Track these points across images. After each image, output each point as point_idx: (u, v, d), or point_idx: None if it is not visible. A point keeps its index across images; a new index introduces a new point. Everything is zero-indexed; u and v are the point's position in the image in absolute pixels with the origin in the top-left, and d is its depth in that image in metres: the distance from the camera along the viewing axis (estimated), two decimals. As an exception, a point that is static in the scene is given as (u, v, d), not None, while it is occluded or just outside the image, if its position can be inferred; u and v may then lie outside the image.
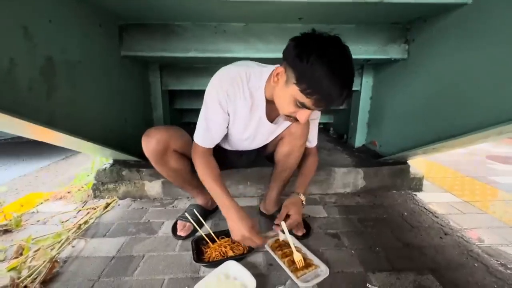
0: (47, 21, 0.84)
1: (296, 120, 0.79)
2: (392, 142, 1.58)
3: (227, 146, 1.07)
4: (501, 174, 1.93)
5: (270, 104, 0.87)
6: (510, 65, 0.85)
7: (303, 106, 0.71)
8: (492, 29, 0.92)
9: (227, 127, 0.93)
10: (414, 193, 1.52)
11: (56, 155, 2.66)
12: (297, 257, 0.87)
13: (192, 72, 1.81)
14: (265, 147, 1.10)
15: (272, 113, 0.91)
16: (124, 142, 1.32)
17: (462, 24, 1.05)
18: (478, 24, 0.98)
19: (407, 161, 1.54)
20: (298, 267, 0.85)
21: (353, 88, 1.81)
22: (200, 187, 1.19)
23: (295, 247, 0.91)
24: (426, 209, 1.33)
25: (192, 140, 0.95)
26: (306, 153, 1.07)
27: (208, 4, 1.08)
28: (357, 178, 1.49)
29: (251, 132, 0.95)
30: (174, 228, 1.10)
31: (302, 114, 0.75)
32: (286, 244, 0.94)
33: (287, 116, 0.79)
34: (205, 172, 0.90)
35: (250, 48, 1.38)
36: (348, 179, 1.49)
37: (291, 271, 0.83)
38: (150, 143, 0.93)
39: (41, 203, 1.39)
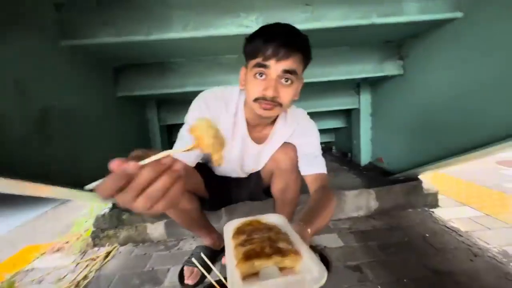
0: (40, 71, 0.83)
1: (272, 102, 0.71)
2: (399, 158, 1.53)
3: (221, 172, 1.03)
4: (515, 180, 1.86)
5: (251, 126, 0.87)
6: (507, 74, 0.84)
7: (259, 66, 0.69)
8: (485, 39, 0.93)
9: None
10: (431, 210, 1.44)
11: (54, 200, 2.57)
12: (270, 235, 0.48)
13: (189, 105, 1.80)
14: (261, 179, 1.05)
15: (254, 134, 0.89)
16: (123, 184, 1.26)
17: (455, 37, 1.06)
18: (471, 35, 0.99)
19: (419, 177, 1.48)
20: (259, 250, 0.43)
21: (351, 107, 1.83)
22: (208, 227, 1.13)
23: (281, 232, 0.51)
24: (448, 228, 1.24)
25: (203, 177, 0.96)
26: (309, 181, 0.91)
27: (204, 42, 1.09)
28: (370, 199, 1.42)
29: (237, 153, 0.92)
30: (181, 276, 1.01)
31: (266, 84, 0.69)
32: (267, 229, 0.52)
33: (261, 100, 0.71)
34: None
35: (246, 78, 1.38)
36: (360, 201, 1.42)
37: (235, 257, 0.45)
38: None
39: (38, 257, 1.30)
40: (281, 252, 0.42)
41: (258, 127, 0.89)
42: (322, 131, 1.03)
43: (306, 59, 0.73)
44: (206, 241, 1.14)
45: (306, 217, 0.66)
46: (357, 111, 1.83)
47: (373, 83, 1.72)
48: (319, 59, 1.35)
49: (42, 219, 2.12)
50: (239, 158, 0.95)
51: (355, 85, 1.77)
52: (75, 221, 1.62)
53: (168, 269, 1.10)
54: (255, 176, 1.05)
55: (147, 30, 0.94)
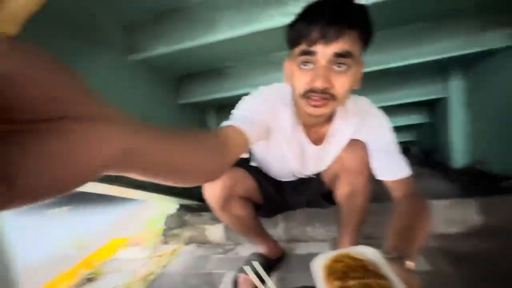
0: (110, 86, 0.94)
1: (323, 95, 0.58)
2: (513, 158, 1.14)
3: (276, 175, 0.96)
4: None
5: (306, 127, 0.77)
6: None
7: (303, 54, 0.57)
8: None
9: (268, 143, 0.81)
10: None
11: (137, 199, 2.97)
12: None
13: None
14: (322, 184, 0.93)
15: (311, 135, 0.78)
16: (186, 187, 1.34)
17: None
18: None
19: (549, 184, 1.07)
20: None
21: (436, 96, 1.48)
22: (263, 234, 1.07)
23: (381, 275, 0.43)
24: None
25: (256, 181, 0.92)
26: (392, 188, 0.74)
27: (251, 40, 1.05)
28: (469, 212, 1.10)
29: (296, 154, 0.82)
30: (235, 283, 0.98)
31: (314, 74, 0.57)
32: (361, 269, 0.44)
33: (310, 93, 0.59)
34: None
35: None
36: (454, 214, 1.11)
37: None
38: (215, 190, 0.85)
39: (121, 249, 1.50)
40: None
41: (314, 128, 0.77)
42: (397, 129, 0.83)
43: (365, 36, 0.57)
44: (261, 249, 1.08)
45: (400, 244, 0.51)
46: (444, 101, 1.48)
47: (466, 63, 1.35)
48: (388, 41, 1.14)
49: (133, 213, 2.48)
50: (297, 161, 0.86)
51: (440, 69, 1.43)
52: (151, 219, 1.81)
53: (223, 274, 1.09)
54: (315, 180, 0.94)
55: (195, 35, 0.96)
